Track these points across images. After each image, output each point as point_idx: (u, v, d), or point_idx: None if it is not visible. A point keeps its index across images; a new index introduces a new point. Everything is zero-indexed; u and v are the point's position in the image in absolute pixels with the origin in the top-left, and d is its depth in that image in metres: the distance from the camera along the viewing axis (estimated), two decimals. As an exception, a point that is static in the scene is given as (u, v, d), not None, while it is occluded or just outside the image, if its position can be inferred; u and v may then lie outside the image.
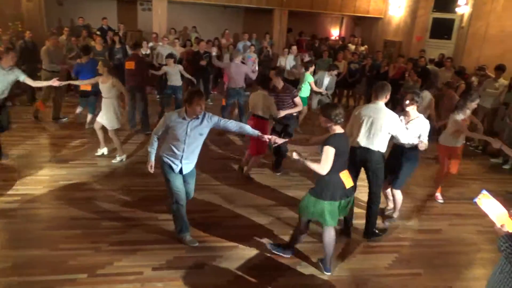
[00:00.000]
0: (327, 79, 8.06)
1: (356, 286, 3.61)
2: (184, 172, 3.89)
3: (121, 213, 4.54)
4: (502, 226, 2.31)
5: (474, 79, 8.54)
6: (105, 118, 5.81)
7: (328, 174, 3.34)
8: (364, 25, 16.00)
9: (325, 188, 3.44)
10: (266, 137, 3.89)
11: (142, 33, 14.13)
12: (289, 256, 3.90)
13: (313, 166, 3.33)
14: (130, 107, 7.01)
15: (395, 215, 4.80)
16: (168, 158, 3.83)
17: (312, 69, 7.82)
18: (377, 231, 4.36)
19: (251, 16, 16.08)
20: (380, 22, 14.36)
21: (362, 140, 4.04)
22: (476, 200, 2.47)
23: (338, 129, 3.41)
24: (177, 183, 3.86)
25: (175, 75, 7.95)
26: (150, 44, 10.56)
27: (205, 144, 6.73)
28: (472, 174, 6.60)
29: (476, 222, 4.88)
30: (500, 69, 7.61)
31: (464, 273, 3.95)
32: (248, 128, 3.94)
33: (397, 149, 4.39)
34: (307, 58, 10.29)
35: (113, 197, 4.91)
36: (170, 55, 8.13)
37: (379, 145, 4.01)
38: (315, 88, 7.88)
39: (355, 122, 4.11)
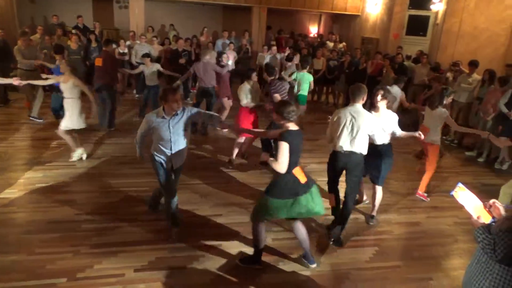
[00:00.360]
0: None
1: (337, 280, 3.66)
2: (175, 167, 4.01)
3: (101, 215, 4.46)
4: (478, 217, 2.37)
5: (449, 74, 8.76)
6: (70, 120, 5.66)
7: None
8: (342, 22, 16.16)
9: (274, 186, 3.44)
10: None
11: (119, 32, 13.90)
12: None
13: (273, 164, 3.31)
14: (100, 106, 6.94)
15: (375, 213, 4.81)
16: (158, 157, 3.94)
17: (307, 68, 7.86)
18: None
19: (230, 14, 16.03)
20: (358, 19, 14.54)
21: (345, 144, 4.02)
22: (453, 193, 2.53)
23: (292, 126, 3.42)
24: (166, 178, 4.00)
25: (150, 75, 7.87)
26: (128, 42, 10.40)
27: (193, 142, 6.75)
28: (448, 167, 6.78)
29: (452, 214, 5.02)
30: (473, 64, 7.83)
31: (442, 264, 4.06)
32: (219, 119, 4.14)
33: (375, 148, 4.43)
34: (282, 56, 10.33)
35: (92, 199, 4.82)
36: (147, 55, 8.05)
37: (361, 147, 4.03)
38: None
39: (335, 127, 4.08)
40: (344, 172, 4.23)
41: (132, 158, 6.14)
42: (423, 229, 4.69)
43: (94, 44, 9.66)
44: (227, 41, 11.24)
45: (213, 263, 3.76)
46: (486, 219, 2.36)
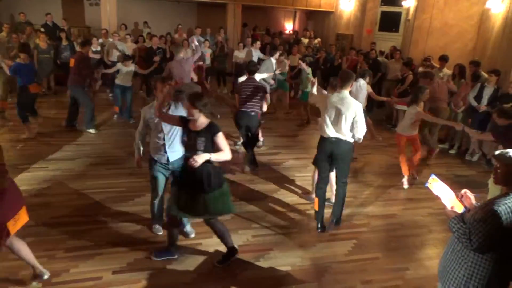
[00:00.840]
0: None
1: (317, 274, 3.70)
2: (171, 159, 3.84)
3: (76, 217, 4.35)
4: (452, 208, 2.44)
5: (421, 69, 8.96)
6: None
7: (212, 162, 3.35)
8: (317, 19, 16.30)
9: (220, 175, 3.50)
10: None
11: (91, 30, 13.56)
12: (175, 256, 3.78)
13: (221, 155, 3.32)
14: (72, 107, 6.83)
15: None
16: (154, 154, 3.89)
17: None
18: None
19: (204, 11, 15.89)
20: (332, 15, 14.68)
21: (331, 130, 4.10)
22: (427, 184, 2.60)
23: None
24: (161, 181, 3.96)
25: (127, 75, 7.71)
26: (100, 40, 10.17)
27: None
28: (422, 160, 6.95)
29: (426, 205, 5.16)
30: (443, 59, 8.05)
31: (418, 254, 4.17)
32: None
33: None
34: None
35: (66, 201, 4.69)
36: (128, 57, 7.90)
37: (348, 134, 4.10)
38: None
39: (323, 113, 4.17)
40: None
41: (107, 158, 6.04)
42: (399, 221, 4.81)
43: (64, 42, 9.39)
44: (202, 38, 11.14)
45: (193, 262, 3.73)
46: (459, 208, 2.44)
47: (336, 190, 4.42)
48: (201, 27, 11.95)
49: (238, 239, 4.08)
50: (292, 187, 5.48)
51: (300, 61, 8.00)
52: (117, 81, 7.80)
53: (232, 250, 3.71)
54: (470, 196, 2.51)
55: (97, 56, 9.68)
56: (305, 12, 16.68)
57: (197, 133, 3.32)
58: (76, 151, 6.20)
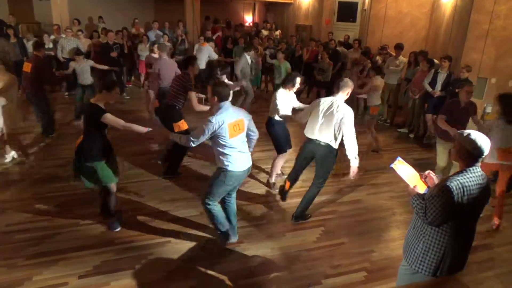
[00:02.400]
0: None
1: (288, 262, 3.76)
2: None
3: (36, 222, 4.16)
4: (414, 187, 2.57)
5: (378, 58, 9.23)
6: None
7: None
8: (276, 10, 16.35)
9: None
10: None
11: (41, 25, 12.90)
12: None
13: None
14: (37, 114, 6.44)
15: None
16: None
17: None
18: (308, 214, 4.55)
19: (162, 5, 15.51)
20: (291, 7, 14.78)
21: (314, 132, 4.07)
22: (392, 165, 2.71)
23: None
24: None
25: (84, 72, 7.29)
26: (52, 37, 9.70)
27: (125, 140, 6.49)
28: (383, 146, 7.19)
29: (389, 189, 5.36)
30: (398, 47, 8.32)
31: (383, 236, 4.32)
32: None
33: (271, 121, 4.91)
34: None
35: (25, 206, 4.47)
36: (78, 51, 7.47)
37: (331, 139, 4.02)
38: None
39: (312, 113, 4.15)
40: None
41: (67, 159, 5.79)
42: (364, 206, 4.95)
43: (13, 40, 8.88)
44: (160, 33, 10.89)
45: (163, 260, 3.68)
46: (422, 188, 2.57)
47: (309, 187, 4.41)
48: (158, 21, 11.66)
49: (208, 234, 4.07)
50: (259, 179, 5.50)
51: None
52: (78, 81, 7.41)
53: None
54: (433, 176, 2.66)
55: (49, 53, 9.23)
56: (264, 3, 16.68)
57: None
58: (31, 154, 5.90)
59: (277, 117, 4.89)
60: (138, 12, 14.28)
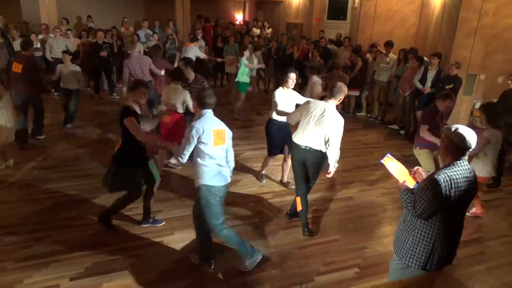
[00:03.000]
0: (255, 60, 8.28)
1: (281, 260, 3.76)
2: None
3: (26, 225, 4.11)
4: (404, 182, 2.61)
5: (369, 55, 9.27)
6: None
7: None
8: (267, 8, 16.34)
9: None
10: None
11: (29, 25, 12.72)
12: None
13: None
14: (21, 116, 6.16)
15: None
16: None
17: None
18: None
19: (152, 3, 15.39)
20: (282, 5, 14.78)
21: (304, 137, 3.98)
22: (382, 161, 2.74)
23: None
24: None
25: (71, 76, 6.97)
26: (40, 36, 9.57)
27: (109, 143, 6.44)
28: (374, 143, 7.24)
29: (380, 186, 5.39)
30: (388, 45, 8.37)
31: (375, 232, 4.35)
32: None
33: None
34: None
35: (13, 209, 4.41)
36: (66, 52, 7.26)
37: (321, 145, 3.93)
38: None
39: (303, 120, 4.01)
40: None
41: (56, 161, 5.74)
42: (356, 203, 4.98)
43: (0, 40, 8.74)
44: (150, 32, 10.81)
45: (157, 260, 3.66)
46: (411, 183, 2.62)
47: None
48: (148, 20, 11.57)
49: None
50: (251, 178, 5.50)
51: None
52: (61, 84, 7.05)
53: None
54: (422, 172, 2.71)
55: (38, 54, 9.11)
56: (254, 2, 16.66)
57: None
58: (19, 156, 5.82)
59: (275, 116, 4.80)
60: (128, 11, 14.14)
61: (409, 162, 5.67)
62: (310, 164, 4.06)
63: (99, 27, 10.36)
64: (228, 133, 3.41)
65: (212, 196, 3.33)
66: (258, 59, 8.37)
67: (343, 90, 3.92)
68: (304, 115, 4.01)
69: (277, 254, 3.85)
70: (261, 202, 4.85)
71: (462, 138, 2.35)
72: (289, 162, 4.86)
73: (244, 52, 8.22)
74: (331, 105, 3.91)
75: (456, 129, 2.39)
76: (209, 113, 3.35)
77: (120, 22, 11.85)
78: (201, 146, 3.24)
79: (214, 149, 3.28)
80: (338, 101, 3.96)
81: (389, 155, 2.77)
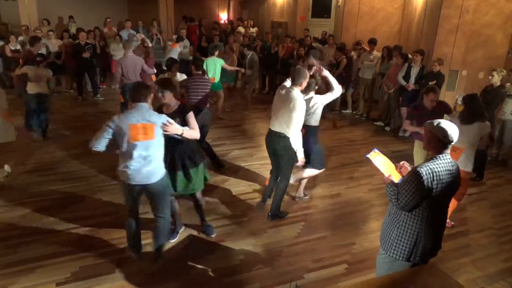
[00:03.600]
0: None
1: (270, 258, 3.77)
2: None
3: (8, 231, 4.02)
4: (389, 176, 2.67)
5: (353, 53, 9.34)
6: None
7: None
8: (251, 7, 16.33)
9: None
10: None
11: (8, 26, 12.46)
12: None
13: (191, 132, 3.44)
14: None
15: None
16: None
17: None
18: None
19: (135, 3, 15.23)
20: (266, 4, 14.79)
21: (273, 124, 4.09)
22: (368, 155, 2.79)
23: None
24: None
25: (41, 79, 6.34)
26: (20, 38, 9.38)
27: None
28: (360, 139, 7.30)
29: (367, 182, 5.44)
30: (372, 42, 8.45)
31: (362, 229, 4.39)
32: None
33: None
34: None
35: (-3, 214, 4.32)
36: (41, 55, 6.67)
37: (288, 131, 3.96)
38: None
39: (273, 104, 4.16)
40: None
41: (40, 164, 5.63)
42: (344, 199, 5.02)
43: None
44: (133, 32, 10.70)
45: (145, 262, 3.62)
46: (396, 178, 2.67)
47: (278, 183, 4.39)
48: (131, 20, 11.45)
49: (189, 234, 4.04)
50: (239, 177, 5.49)
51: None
52: (28, 89, 6.27)
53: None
54: (407, 167, 2.77)
55: (17, 55, 8.94)
56: (239, 1, 16.62)
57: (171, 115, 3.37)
58: (3, 160, 5.70)
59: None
60: (111, 11, 13.97)
61: (396, 157, 5.73)
62: (278, 152, 4.13)
63: (81, 28, 10.21)
64: (158, 127, 3.16)
65: (124, 188, 3.38)
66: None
67: (302, 75, 3.93)
68: (274, 100, 4.15)
69: (266, 253, 3.86)
70: (249, 201, 4.85)
71: (444, 132, 2.41)
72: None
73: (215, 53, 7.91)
74: (295, 90, 3.93)
75: (439, 123, 2.45)
76: (139, 106, 3.16)
77: (102, 23, 11.70)
78: (119, 137, 3.15)
79: (132, 144, 3.12)
80: (300, 85, 3.96)
81: (376, 150, 2.82)
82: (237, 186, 5.21)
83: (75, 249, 3.76)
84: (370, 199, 5.03)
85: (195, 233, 4.11)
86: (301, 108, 3.91)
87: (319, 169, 4.64)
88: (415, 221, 2.49)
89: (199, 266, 3.62)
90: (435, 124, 2.47)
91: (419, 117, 4.58)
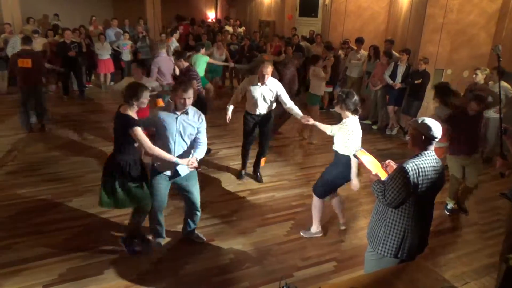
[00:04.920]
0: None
1: (259, 257, 3.77)
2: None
3: (-6, 233, 3.95)
4: (375, 174, 2.70)
5: (340, 52, 9.40)
6: None
7: None
8: (239, 6, 16.30)
9: None
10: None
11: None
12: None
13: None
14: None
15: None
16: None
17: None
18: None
19: (121, 2, 15.07)
20: (253, 3, 14.78)
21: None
22: (356, 153, 2.84)
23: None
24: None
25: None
26: (3, 35, 9.17)
27: (85, 141, 6.28)
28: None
29: (355, 180, 5.48)
30: (359, 41, 8.51)
31: (351, 226, 4.42)
32: None
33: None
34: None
35: (-19, 216, 4.23)
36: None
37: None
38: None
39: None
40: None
41: (26, 164, 5.53)
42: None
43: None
44: (120, 30, 10.58)
45: (134, 262, 3.59)
46: (383, 176, 2.71)
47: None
48: (118, 18, 11.31)
49: (178, 234, 4.01)
50: (227, 176, 5.48)
51: None
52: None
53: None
54: (393, 165, 2.81)
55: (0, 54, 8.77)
56: (226, -1, 16.58)
57: None
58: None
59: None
60: (96, 9, 13.78)
61: (383, 155, 5.82)
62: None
63: (66, 26, 10.05)
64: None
65: None
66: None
67: (262, 66, 4.56)
68: None
69: (255, 251, 3.86)
70: (238, 200, 4.85)
71: (428, 128, 2.47)
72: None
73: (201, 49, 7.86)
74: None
75: (423, 120, 2.52)
76: None
77: (88, 21, 11.54)
78: None
79: None
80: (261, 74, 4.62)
81: (362, 149, 2.86)
82: (226, 186, 5.20)
83: (62, 250, 3.70)
84: (358, 197, 5.07)
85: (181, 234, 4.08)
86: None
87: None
88: (402, 218, 2.53)
89: (188, 266, 3.61)
90: (419, 121, 2.53)
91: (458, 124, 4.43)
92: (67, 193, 4.74)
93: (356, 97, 3.63)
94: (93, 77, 10.59)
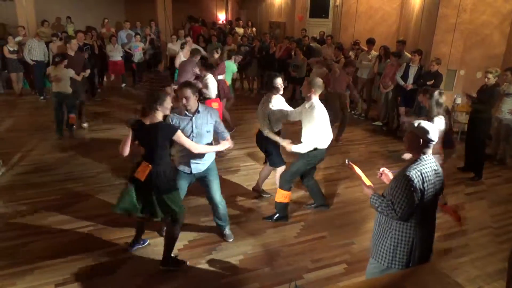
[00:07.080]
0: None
1: (269, 259, 3.77)
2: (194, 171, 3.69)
3: (8, 232, 4.01)
4: (369, 186, 2.70)
5: (351, 53, 9.35)
6: None
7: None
8: (249, 7, 16.33)
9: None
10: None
11: (6, 27, 12.42)
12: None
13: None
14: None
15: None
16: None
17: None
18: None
19: (133, 4, 15.22)
20: (264, 4, 14.78)
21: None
22: (349, 160, 2.88)
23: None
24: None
25: (65, 80, 6.44)
26: (18, 38, 9.34)
27: (97, 142, 6.36)
28: (359, 139, 7.30)
29: (366, 182, 5.44)
30: (370, 42, 8.46)
31: (361, 228, 4.39)
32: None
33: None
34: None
35: (-5, 216, 4.31)
36: (62, 56, 6.56)
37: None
38: None
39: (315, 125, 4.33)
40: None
41: (36, 165, 5.62)
42: (342, 199, 5.02)
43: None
44: (132, 32, 10.68)
45: (144, 263, 3.62)
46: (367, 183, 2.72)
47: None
48: (130, 20, 11.43)
49: (188, 235, 4.03)
50: (237, 178, 5.49)
51: None
52: (54, 88, 6.48)
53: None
54: (388, 173, 2.78)
55: (14, 56, 8.93)
56: (237, 1, 16.62)
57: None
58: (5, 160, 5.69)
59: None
60: (108, 12, 13.95)
61: (394, 157, 5.78)
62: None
63: (79, 28, 10.20)
64: None
65: None
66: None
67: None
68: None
69: (265, 253, 3.86)
70: (248, 201, 4.85)
71: (425, 131, 2.41)
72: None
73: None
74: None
75: (419, 123, 2.46)
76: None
77: (100, 23, 11.69)
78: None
79: None
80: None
81: (349, 162, 2.91)
82: (236, 187, 5.21)
83: (74, 250, 3.74)
84: (367, 199, 5.01)
85: (194, 234, 4.10)
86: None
87: (279, 166, 4.71)
88: (409, 227, 2.45)
89: (197, 266, 3.62)
90: (416, 124, 2.46)
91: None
92: (80, 193, 4.80)
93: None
94: (105, 79, 10.70)
